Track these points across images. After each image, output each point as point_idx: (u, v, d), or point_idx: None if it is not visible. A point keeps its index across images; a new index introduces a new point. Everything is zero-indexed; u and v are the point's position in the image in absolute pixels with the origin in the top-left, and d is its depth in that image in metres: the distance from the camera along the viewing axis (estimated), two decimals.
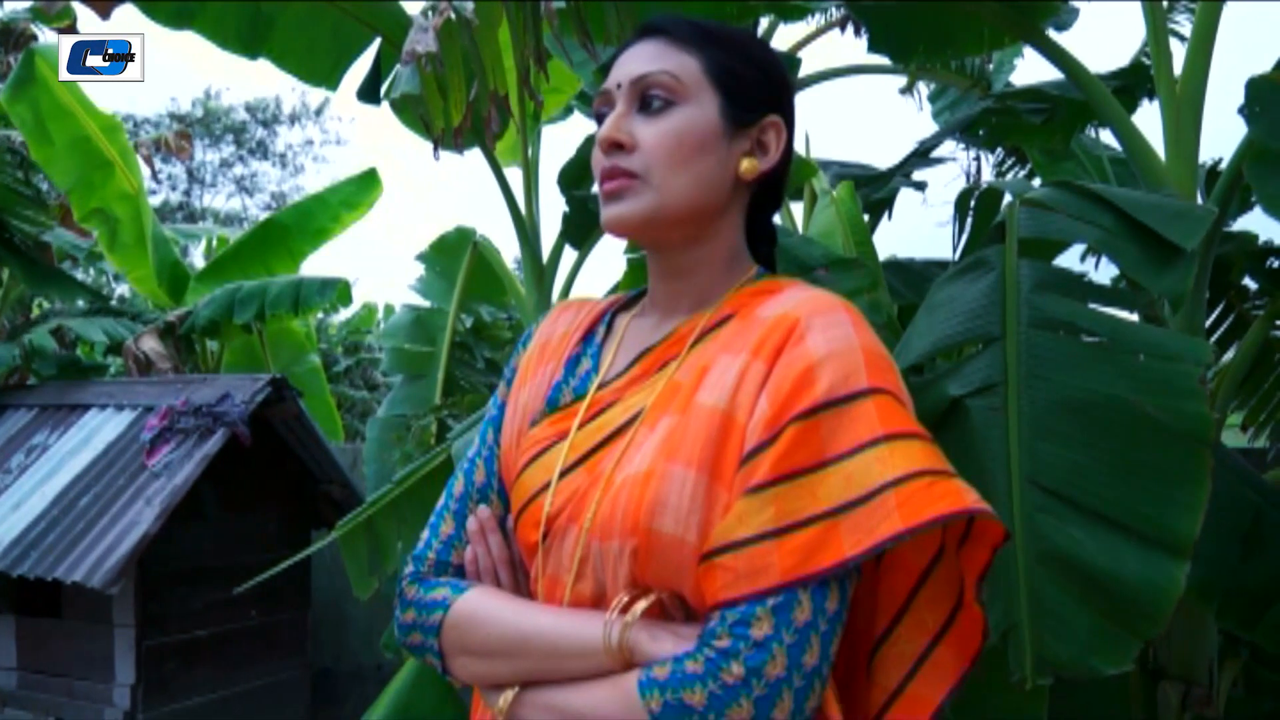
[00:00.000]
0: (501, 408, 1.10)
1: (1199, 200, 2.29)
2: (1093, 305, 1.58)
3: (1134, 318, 1.95)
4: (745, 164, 0.98)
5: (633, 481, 0.89)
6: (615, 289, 2.23)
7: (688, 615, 0.89)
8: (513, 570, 1.02)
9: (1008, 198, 1.91)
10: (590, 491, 0.93)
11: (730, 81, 0.97)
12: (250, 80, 44.80)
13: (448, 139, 2.14)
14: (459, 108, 2.10)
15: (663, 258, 1.02)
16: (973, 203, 2.25)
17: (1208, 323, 3.03)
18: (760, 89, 0.99)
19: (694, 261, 1.01)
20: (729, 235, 1.02)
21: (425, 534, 1.06)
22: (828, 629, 0.83)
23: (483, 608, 0.96)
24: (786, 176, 1.07)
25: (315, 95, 19.70)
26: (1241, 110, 1.74)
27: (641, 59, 0.97)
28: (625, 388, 0.99)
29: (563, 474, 0.96)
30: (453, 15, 1.96)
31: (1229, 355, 3.11)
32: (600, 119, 1.00)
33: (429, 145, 2.29)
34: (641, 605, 0.87)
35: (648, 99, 0.96)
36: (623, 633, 0.86)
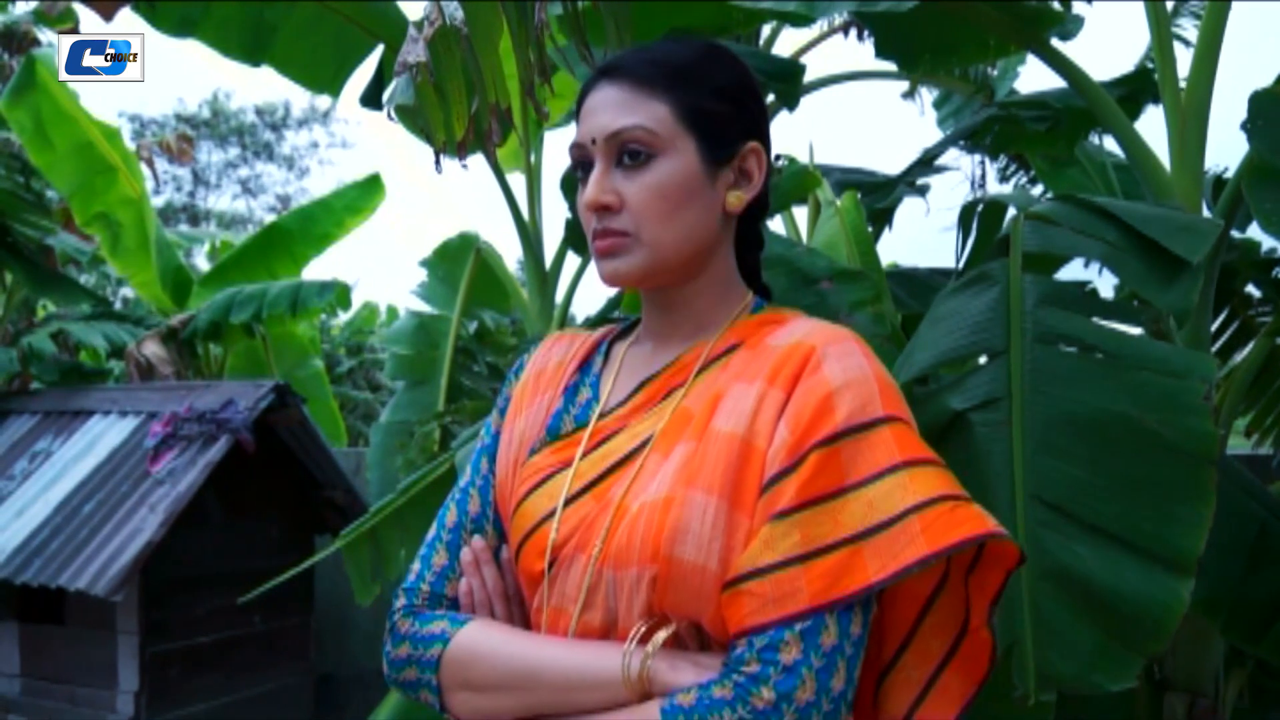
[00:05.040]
0: (495, 437, 1.08)
1: (1204, 210, 2.27)
2: (1097, 320, 1.57)
3: (1138, 331, 1.94)
4: (731, 198, 0.99)
5: (652, 508, 0.88)
6: (617, 299, 2.22)
7: (702, 645, 0.88)
8: (508, 603, 1.00)
9: (1012, 211, 1.90)
10: (600, 519, 0.91)
11: (705, 123, 0.95)
12: (259, 82, 44.91)
13: (450, 150, 2.11)
14: (461, 120, 2.08)
15: (659, 294, 1.02)
16: (976, 215, 2.24)
17: (1212, 330, 3.02)
18: (735, 123, 0.98)
19: (690, 294, 1.01)
20: (722, 265, 1.02)
21: (416, 566, 1.03)
22: (853, 653, 0.84)
23: (487, 640, 0.94)
24: (769, 194, 1.07)
25: (323, 98, 19.72)
26: (1244, 126, 1.72)
27: (611, 110, 0.95)
28: (629, 415, 0.99)
29: (568, 501, 0.94)
30: (447, 23, 1.94)
31: (1235, 361, 3.10)
32: (577, 167, 0.99)
33: (433, 151, 2.26)
34: (662, 635, 0.86)
35: (625, 153, 0.94)
36: (644, 663, 0.85)
